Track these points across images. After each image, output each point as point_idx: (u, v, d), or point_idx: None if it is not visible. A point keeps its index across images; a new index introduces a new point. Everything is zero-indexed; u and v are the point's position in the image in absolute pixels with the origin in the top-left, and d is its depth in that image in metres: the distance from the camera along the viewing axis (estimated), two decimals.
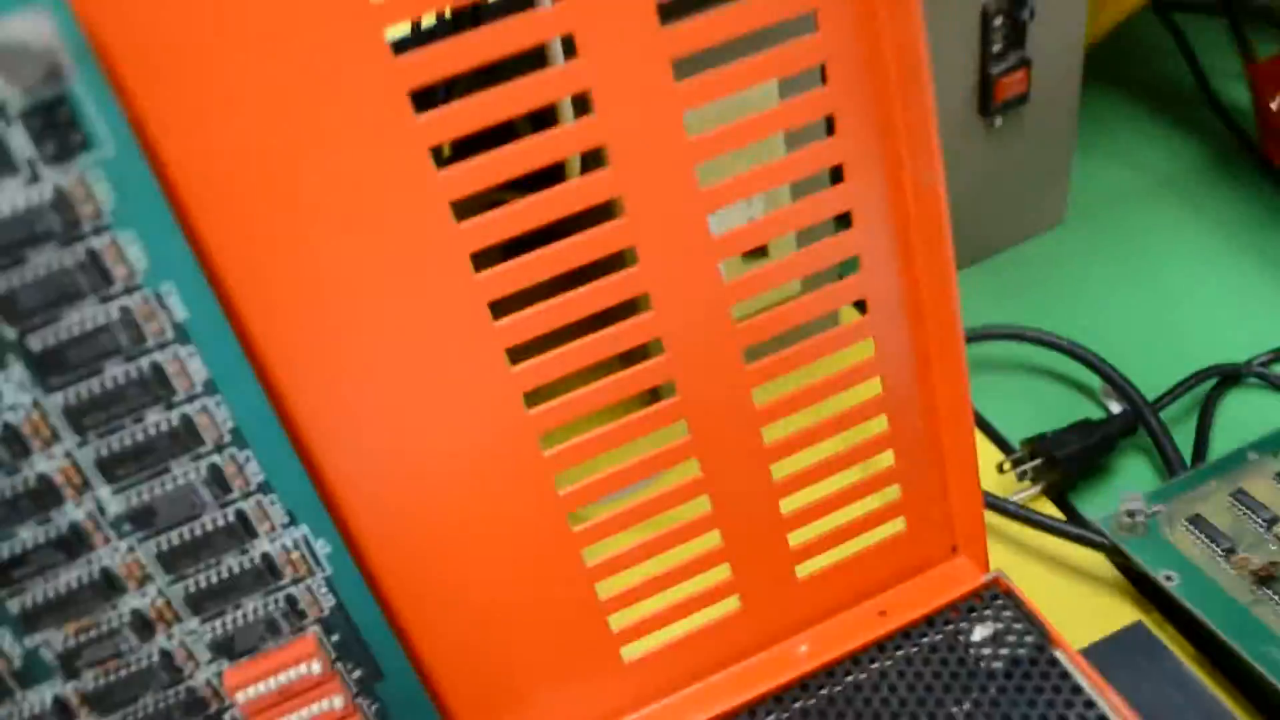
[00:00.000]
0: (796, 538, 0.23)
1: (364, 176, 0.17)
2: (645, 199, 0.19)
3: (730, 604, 0.23)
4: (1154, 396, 0.32)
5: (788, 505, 0.23)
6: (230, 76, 0.16)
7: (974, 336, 0.34)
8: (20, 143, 0.15)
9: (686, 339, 0.20)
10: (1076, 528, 0.28)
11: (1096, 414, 0.32)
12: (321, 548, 0.19)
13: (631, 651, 0.23)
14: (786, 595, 0.24)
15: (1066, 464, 0.30)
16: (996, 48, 0.34)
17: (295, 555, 0.19)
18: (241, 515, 0.18)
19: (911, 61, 0.19)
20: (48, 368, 0.16)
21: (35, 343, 0.16)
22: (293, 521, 0.18)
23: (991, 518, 0.29)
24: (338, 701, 0.19)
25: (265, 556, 0.18)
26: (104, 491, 0.17)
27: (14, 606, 0.17)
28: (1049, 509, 0.30)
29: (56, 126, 0.15)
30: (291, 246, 0.17)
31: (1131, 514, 0.26)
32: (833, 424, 0.22)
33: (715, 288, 0.20)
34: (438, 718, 0.21)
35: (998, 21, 0.33)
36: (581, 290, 0.19)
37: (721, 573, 0.23)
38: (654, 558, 0.22)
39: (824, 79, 0.19)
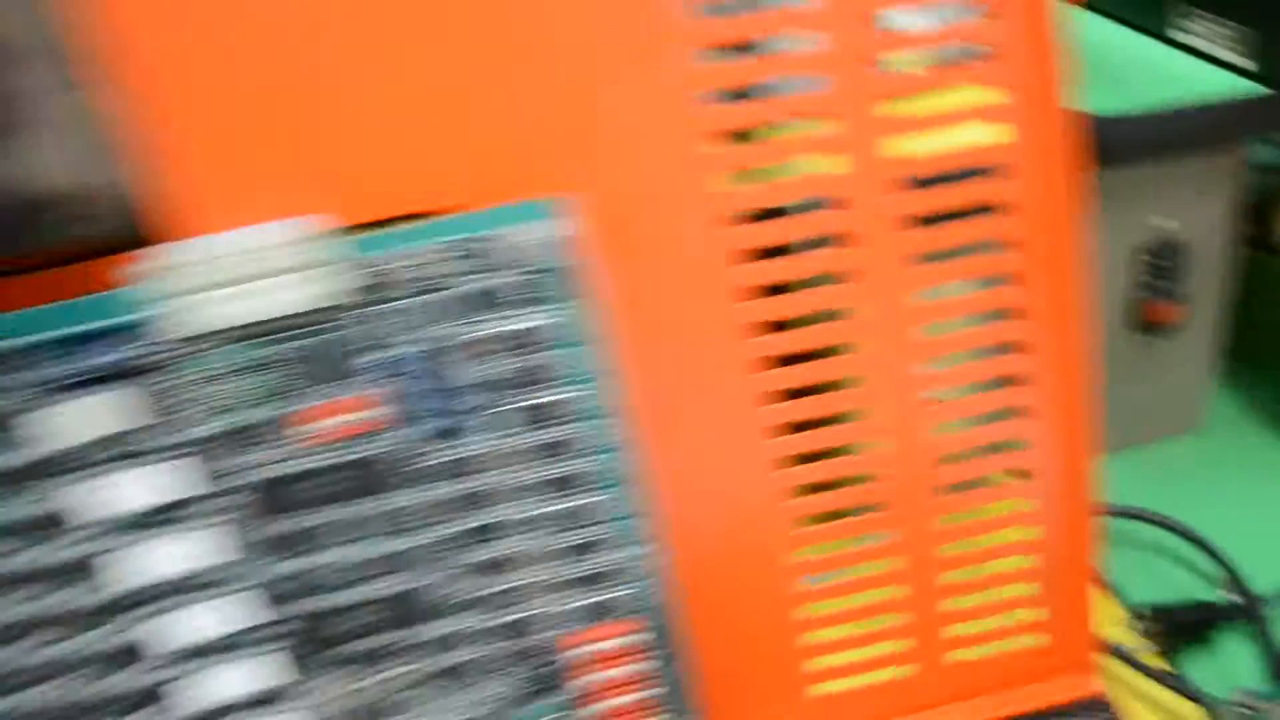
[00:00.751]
0: (952, 630, 0.31)
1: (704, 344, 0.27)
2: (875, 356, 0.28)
3: (905, 670, 0.31)
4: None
5: (952, 604, 0.30)
6: None
7: (1120, 514, 0.40)
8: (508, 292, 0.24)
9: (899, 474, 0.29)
10: (1187, 685, 0.33)
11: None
12: (651, 558, 0.27)
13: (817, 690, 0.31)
14: (943, 674, 0.31)
15: (1182, 632, 0.36)
16: (1148, 279, 0.40)
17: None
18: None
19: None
20: None
21: None
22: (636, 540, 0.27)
23: (1115, 669, 0.35)
24: (644, 666, 0.27)
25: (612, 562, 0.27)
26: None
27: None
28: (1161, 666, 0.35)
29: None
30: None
31: (1249, 706, 0.31)
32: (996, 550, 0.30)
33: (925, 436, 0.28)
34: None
35: (1151, 259, 0.40)
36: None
37: (907, 644, 0.31)
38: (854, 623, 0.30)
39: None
